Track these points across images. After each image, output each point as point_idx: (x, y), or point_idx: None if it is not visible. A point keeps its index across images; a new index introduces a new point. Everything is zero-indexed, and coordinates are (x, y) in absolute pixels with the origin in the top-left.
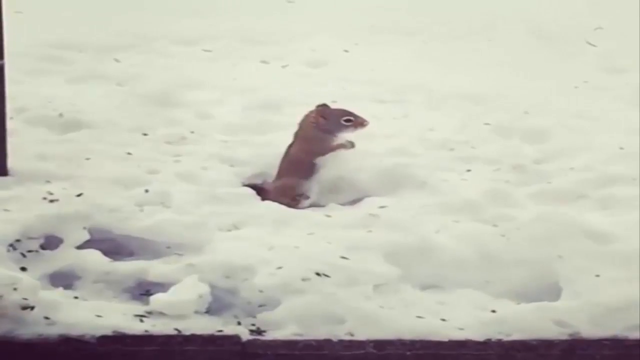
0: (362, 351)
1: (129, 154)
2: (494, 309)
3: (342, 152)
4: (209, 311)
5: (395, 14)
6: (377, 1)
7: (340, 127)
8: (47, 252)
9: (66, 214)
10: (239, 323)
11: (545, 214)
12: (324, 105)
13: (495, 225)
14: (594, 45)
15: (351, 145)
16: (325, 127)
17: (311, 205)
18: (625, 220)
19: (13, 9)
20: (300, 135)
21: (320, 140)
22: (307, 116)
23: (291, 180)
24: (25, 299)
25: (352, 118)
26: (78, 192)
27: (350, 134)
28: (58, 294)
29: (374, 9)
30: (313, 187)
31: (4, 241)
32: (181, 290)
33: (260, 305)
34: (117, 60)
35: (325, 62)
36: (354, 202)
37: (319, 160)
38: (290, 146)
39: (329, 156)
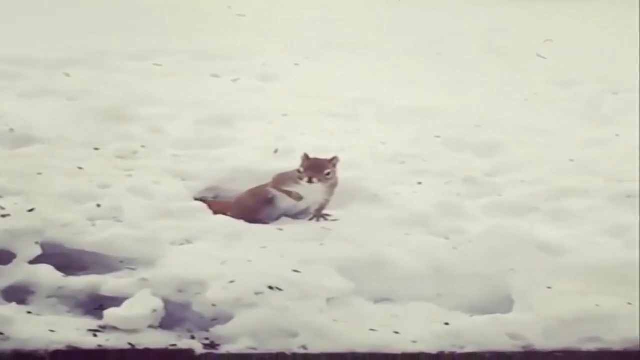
0: None
1: (80, 168)
2: (447, 321)
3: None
4: (162, 325)
5: (347, 29)
6: (328, 16)
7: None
8: (0, 267)
9: (18, 228)
10: (192, 337)
11: (497, 226)
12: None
13: (447, 238)
14: (544, 58)
15: (298, 197)
16: (297, 172)
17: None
18: (576, 233)
19: None
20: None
21: (287, 177)
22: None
23: (249, 201)
24: None
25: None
26: (30, 207)
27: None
28: (11, 309)
29: (324, 24)
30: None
31: None
32: (134, 304)
33: (214, 319)
34: (68, 75)
35: (276, 76)
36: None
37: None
38: None
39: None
